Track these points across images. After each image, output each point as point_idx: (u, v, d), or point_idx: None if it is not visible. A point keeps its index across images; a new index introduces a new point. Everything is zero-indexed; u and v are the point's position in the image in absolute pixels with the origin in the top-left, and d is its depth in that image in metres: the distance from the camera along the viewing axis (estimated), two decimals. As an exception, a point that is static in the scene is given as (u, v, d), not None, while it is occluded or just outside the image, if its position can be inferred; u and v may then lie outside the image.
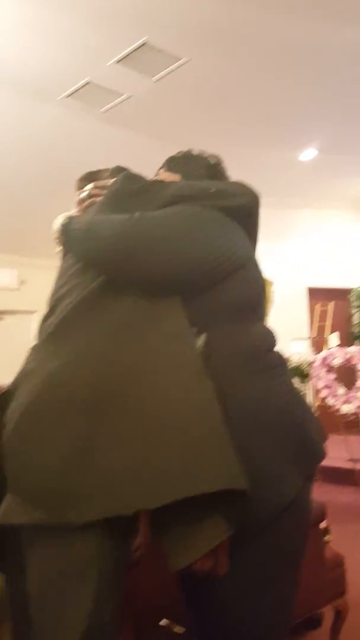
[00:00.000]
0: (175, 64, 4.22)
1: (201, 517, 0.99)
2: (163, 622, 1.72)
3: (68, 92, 4.47)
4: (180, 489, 0.95)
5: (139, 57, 4.09)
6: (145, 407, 1.03)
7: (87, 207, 1.40)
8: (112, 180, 1.37)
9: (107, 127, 5.01)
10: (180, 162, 1.44)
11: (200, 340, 1.11)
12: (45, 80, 4.31)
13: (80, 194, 1.45)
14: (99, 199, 1.37)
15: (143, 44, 3.95)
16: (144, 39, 3.90)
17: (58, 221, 1.29)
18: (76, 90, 4.45)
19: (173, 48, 4.05)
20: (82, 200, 1.43)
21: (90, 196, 1.41)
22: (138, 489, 0.98)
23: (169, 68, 4.27)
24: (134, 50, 4.01)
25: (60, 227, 1.28)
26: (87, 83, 4.38)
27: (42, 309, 1.26)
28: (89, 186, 1.43)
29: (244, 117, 5.09)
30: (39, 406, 1.06)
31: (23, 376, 1.14)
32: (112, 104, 4.68)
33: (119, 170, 1.47)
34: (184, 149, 1.48)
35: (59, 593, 1.00)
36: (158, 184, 1.29)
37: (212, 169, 1.43)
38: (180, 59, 4.17)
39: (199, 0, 3.58)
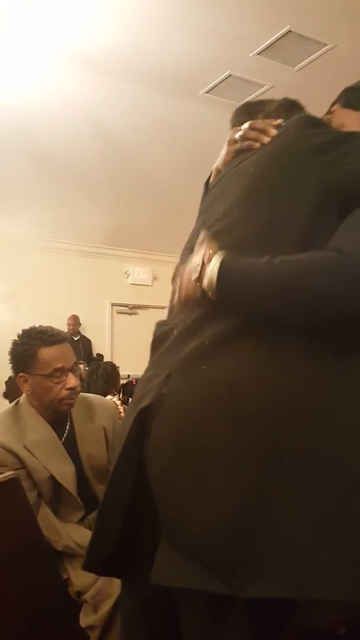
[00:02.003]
0: (320, 51, 4.04)
1: None
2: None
3: (209, 86, 4.46)
4: None
5: (282, 46, 3.97)
6: (330, 465, 0.83)
7: (239, 151, 1.11)
8: (277, 122, 1.07)
9: (246, 121, 4.94)
10: None
11: None
12: (187, 76, 4.33)
13: (234, 132, 1.14)
14: (256, 145, 1.07)
15: (287, 32, 3.82)
16: (288, 27, 3.77)
17: (212, 271, 0.95)
18: (217, 84, 4.43)
19: (318, 34, 3.87)
20: (233, 141, 1.13)
21: (245, 139, 1.10)
22: (324, 575, 0.80)
23: (313, 56, 4.09)
24: (277, 40, 3.89)
25: (218, 277, 0.94)
26: (229, 76, 4.33)
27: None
28: (246, 125, 1.11)
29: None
30: (197, 446, 0.88)
31: (169, 393, 0.94)
32: (252, 96, 4.59)
33: (288, 105, 1.19)
34: None
35: None
36: (350, 137, 0.99)
37: None
38: (325, 45, 3.97)
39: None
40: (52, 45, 3.89)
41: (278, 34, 3.84)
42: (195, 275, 0.97)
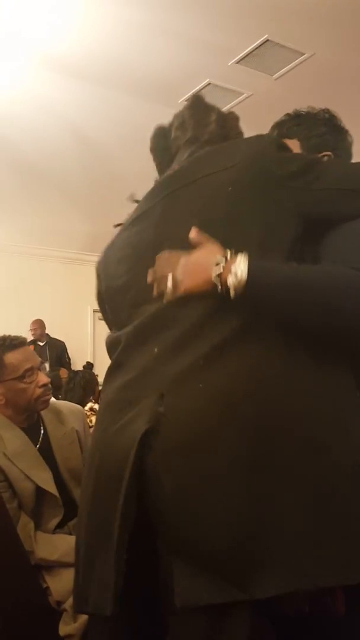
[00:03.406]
0: (297, 60, 4.10)
1: None
2: None
3: (189, 94, 4.49)
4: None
5: (260, 54, 4.02)
6: (315, 468, 0.92)
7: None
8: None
9: (226, 128, 4.98)
10: (292, 125, 1.26)
11: None
12: (166, 83, 4.36)
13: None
14: None
15: (265, 41, 3.87)
16: (266, 36, 3.82)
17: (240, 267, 0.97)
18: (196, 92, 4.46)
19: (295, 43, 3.93)
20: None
21: None
22: (328, 565, 0.88)
23: (291, 64, 4.15)
24: (256, 49, 3.94)
25: (248, 275, 0.96)
26: (208, 84, 4.37)
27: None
28: None
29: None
30: (203, 460, 0.92)
31: (167, 413, 0.96)
32: (231, 104, 4.64)
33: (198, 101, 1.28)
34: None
35: None
36: (315, 164, 1.07)
37: (330, 123, 1.26)
38: (303, 54, 4.03)
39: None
40: (30, 50, 3.89)
41: (256, 43, 3.90)
42: (216, 271, 0.97)
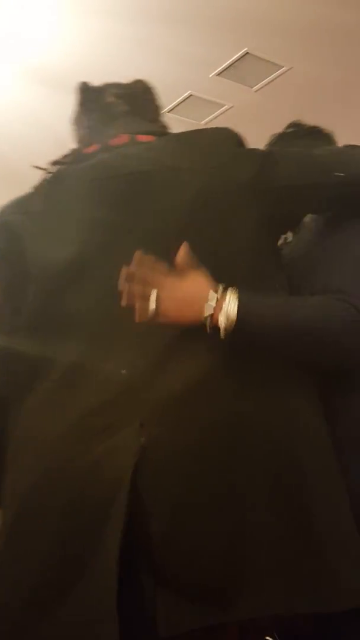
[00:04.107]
0: (276, 73, 4.19)
1: None
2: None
3: (170, 106, 4.56)
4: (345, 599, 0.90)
5: (240, 67, 4.10)
6: (291, 495, 0.92)
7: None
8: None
9: (207, 139, 5.05)
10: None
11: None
12: (148, 96, 4.42)
13: None
14: None
15: (245, 54, 3.95)
16: (245, 49, 3.90)
17: (230, 307, 0.90)
18: (178, 104, 4.53)
19: (274, 57, 4.02)
20: None
21: None
22: (305, 593, 0.89)
23: (270, 77, 4.24)
24: (236, 61, 4.02)
25: (238, 318, 0.90)
26: (190, 96, 4.44)
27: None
28: None
29: (352, 123, 4.94)
30: (192, 494, 0.90)
31: (151, 446, 0.90)
32: (212, 116, 4.71)
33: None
34: None
35: None
36: (266, 160, 1.04)
37: (292, 135, 1.21)
38: (282, 67, 4.13)
39: (300, 6, 3.53)
40: (15, 61, 3.92)
41: (236, 56, 3.97)
42: (208, 310, 0.91)
